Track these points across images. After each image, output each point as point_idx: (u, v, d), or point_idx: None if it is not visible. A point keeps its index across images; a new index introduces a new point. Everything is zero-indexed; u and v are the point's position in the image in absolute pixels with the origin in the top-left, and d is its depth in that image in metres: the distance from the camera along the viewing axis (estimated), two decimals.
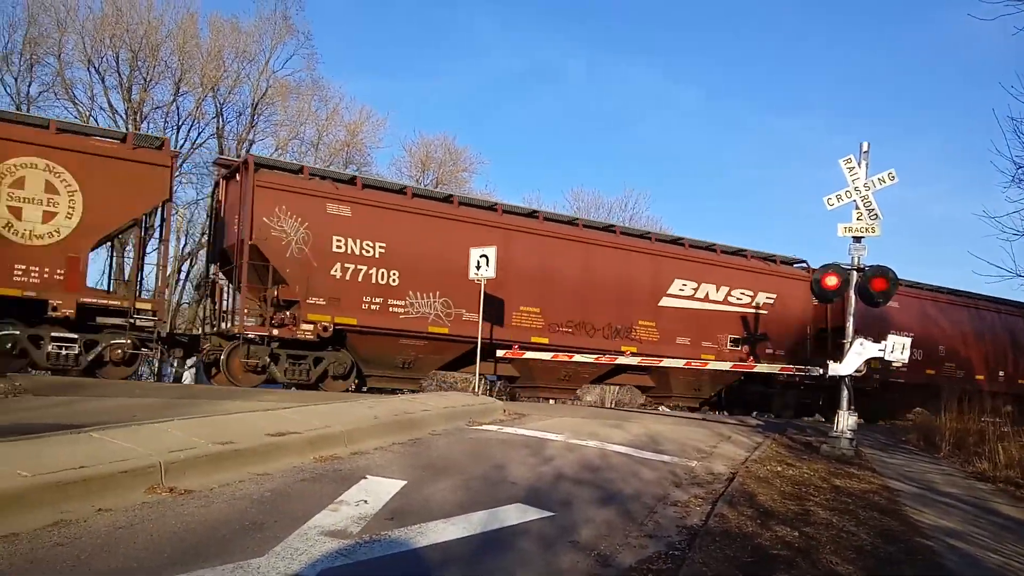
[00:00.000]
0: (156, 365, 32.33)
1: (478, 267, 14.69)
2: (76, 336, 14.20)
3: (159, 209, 15.84)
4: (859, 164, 12.25)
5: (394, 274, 16.46)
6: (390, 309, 16.47)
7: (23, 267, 13.64)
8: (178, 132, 31.78)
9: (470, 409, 11.73)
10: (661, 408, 20.68)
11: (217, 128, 33.07)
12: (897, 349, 11.68)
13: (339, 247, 15.99)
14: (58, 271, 13.87)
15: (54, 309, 13.71)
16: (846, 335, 12.38)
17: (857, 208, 12.16)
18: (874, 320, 18.48)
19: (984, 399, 15.91)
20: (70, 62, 29.86)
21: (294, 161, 21.15)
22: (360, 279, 16.15)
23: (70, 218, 14.03)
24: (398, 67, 71.30)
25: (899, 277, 12.27)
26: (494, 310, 16.73)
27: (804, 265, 22.85)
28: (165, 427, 7.27)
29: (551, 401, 19.47)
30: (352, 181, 17.19)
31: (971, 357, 25.29)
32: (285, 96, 34.35)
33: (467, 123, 73.92)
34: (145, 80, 30.83)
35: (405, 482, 6.81)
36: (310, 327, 15.64)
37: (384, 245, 16.37)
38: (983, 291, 25.95)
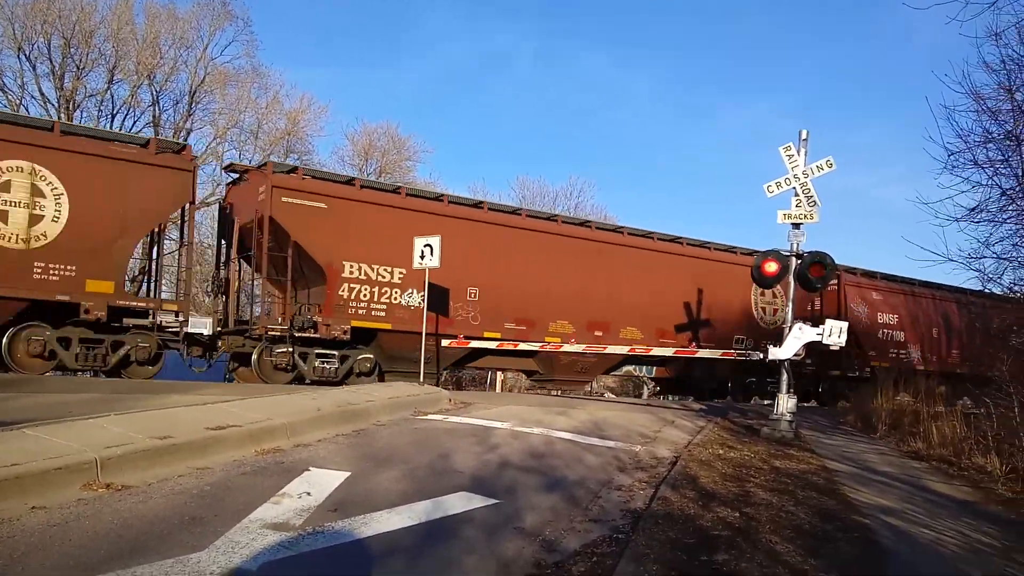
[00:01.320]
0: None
1: (422, 256, 14.63)
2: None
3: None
4: (798, 152, 12.45)
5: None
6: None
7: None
8: (112, 121, 30.98)
9: (416, 399, 11.69)
10: (607, 395, 20.84)
11: (153, 116, 32.34)
12: (835, 333, 11.93)
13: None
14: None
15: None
16: (786, 319, 12.61)
17: (796, 195, 12.36)
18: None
19: (919, 380, 16.35)
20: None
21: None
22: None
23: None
24: (344, 57, 70.80)
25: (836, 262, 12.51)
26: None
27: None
28: (101, 422, 7.11)
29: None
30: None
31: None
32: (224, 84, 33.70)
33: (414, 112, 73.70)
34: (78, 68, 29.97)
35: (349, 473, 6.77)
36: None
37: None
38: (917, 275, 26.70)
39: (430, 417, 10.76)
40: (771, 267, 12.49)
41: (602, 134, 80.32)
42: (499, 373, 25.95)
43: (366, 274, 16.51)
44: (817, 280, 12.32)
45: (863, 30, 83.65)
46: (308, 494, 5.98)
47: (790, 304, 12.67)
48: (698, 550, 5.26)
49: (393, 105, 76.18)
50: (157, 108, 32.46)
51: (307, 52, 69.74)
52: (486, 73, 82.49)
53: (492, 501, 6.34)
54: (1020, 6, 10.27)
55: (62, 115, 28.98)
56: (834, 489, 8.11)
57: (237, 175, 17.83)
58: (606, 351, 18.12)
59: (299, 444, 7.91)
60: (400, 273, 16.72)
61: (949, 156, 11.30)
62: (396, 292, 16.82)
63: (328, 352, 16.36)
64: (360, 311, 16.43)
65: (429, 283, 15.25)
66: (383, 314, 16.69)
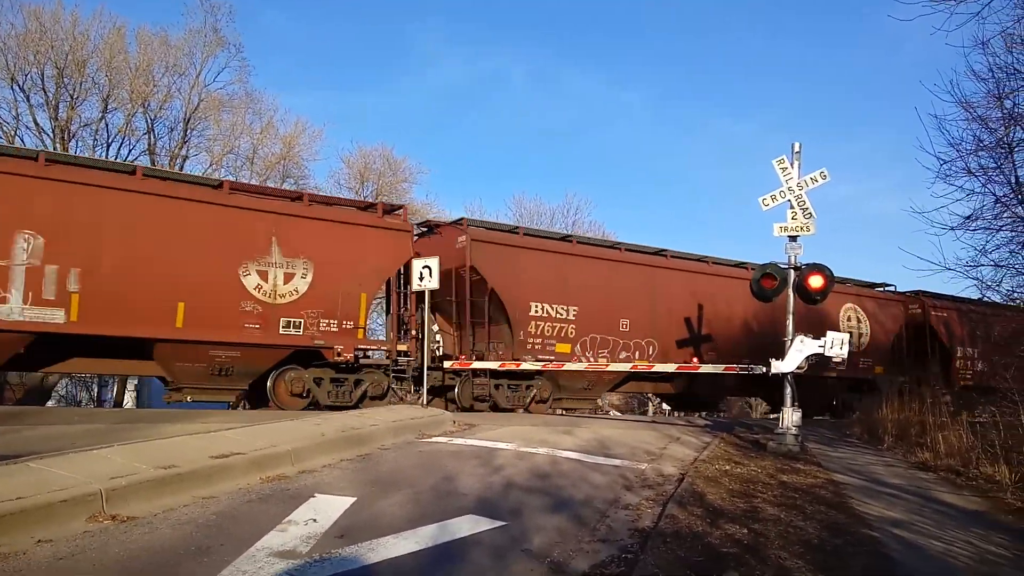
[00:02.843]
0: (95, 390, 31.57)
1: (421, 278, 14.70)
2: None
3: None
4: (792, 164, 12.48)
5: None
6: None
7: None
8: (107, 150, 30.91)
9: (419, 422, 11.65)
10: (612, 412, 20.82)
11: (149, 144, 32.28)
12: (836, 345, 11.92)
13: None
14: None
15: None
16: (786, 333, 12.59)
17: (792, 207, 12.38)
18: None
19: (924, 391, 16.29)
20: None
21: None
22: None
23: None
24: (337, 81, 71.13)
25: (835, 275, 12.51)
26: None
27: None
28: (105, 453, 7.09)
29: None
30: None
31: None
32: (218, 110, 33.68)
33: (408, 134, 74.07)
34: (72, 97, 29.93)
35: (355, 499, 6.74)
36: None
37: None
38: (914, 285, 26.76)
39: (434, 440, 10.73)
40: (769, 281, 12.50)
41: (595, 151, 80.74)
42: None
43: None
44: (816, 293, 12.32)
45: (852, 40, 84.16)
46: (314, 520, 5.95)
47: (789, 317, 12.65)
48: (707, 568, 5.23)
49: (388, 127, 76.75)
50: (152, 136, 32.45)
51: (300, 77, 70.25)
52: (479, 94, 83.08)
53: (499, 523, 6.30)
54: (1004, 16, 10.32)
55: (57, 145, 29.02)
56: (842, 503, 8.08)
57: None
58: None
59: (304, 470, 7.88)
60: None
61: (941, 165, 11.33)
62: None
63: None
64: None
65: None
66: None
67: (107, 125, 31.21)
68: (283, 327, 15.09)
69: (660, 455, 10.70)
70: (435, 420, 12.22)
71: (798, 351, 12.10)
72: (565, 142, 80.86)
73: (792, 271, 12.46)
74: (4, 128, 29.22)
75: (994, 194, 11.31)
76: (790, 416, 12.13)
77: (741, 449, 11.99)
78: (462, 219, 18.62)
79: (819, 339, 12.06)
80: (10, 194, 12.68)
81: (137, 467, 6.54)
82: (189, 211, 14.17)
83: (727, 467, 9.80)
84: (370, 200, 18.81)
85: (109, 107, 30.94)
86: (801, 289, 12.40)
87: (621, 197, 79.22)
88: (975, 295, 13.21)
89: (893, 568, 5.74)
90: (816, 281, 12.21)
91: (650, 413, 21.39)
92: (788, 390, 12.35)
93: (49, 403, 13.97)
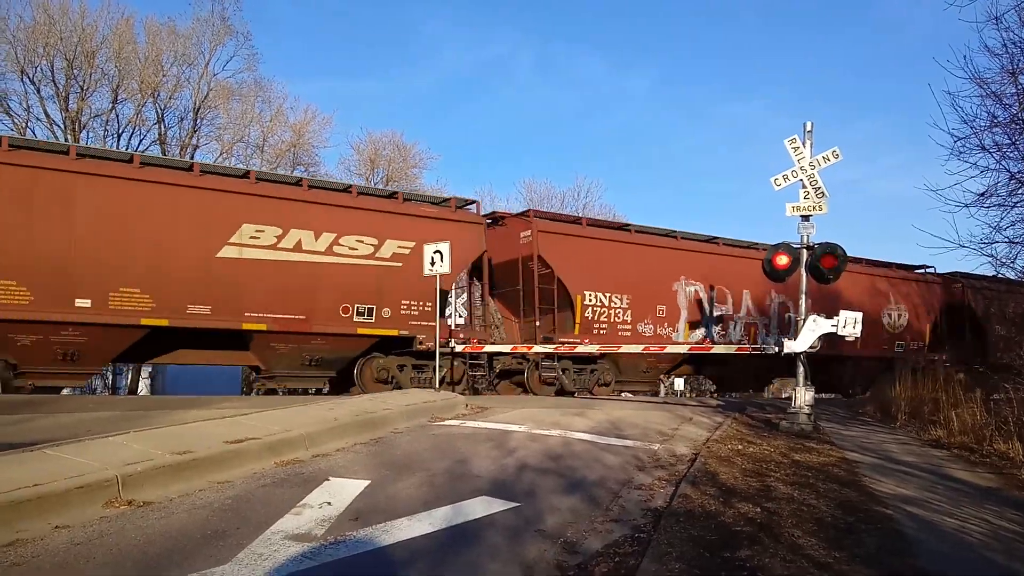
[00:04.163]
0: (110, 378, 31.76)
1: (432, 263, 14.69)
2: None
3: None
4: (804, 144, 12.41)
5: None
6: None
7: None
8: (119, 140, 31.10)
9: (432, 405, 11.68)
10: (623, 394, 20.84)
11: (159, 134, 32.43)
12: (849, 324, 11.89)
13: None
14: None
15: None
16: (800, 312, 12.56)
17: (804, 187, 12.32)
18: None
19: (937, 369, 16.23)
20: (2, 73, 29.03)
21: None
22: None
23: None
24: (345, 68, 70.98)
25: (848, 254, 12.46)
26: None
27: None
28: (121, 440, 7.14)
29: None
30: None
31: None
32: (227, 98, 33.75)
33: (418, 120, 73.90)
34: (82, 89, 30.09)
35: (368, 482, 6.78)
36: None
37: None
38: (929, 263, 26.77)
39: (447, 423, 10.76)
40: (782, 260, 12.45)
41: (603, 134, 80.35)
42: None
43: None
44: (829, 271, 12.28)
45: (861, 17, 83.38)
46: (328, 504, 5.99)
47: (803, 297, 12.61)
48: (720, 547, 5.24)
49: (397, 113, 76.46)
50: (162, 126, 32.61)
51: (309, 64, 70.13)
52: (487, 78, 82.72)
53: (512, 504, 6.33)
54: None
55: (68, 136, 29.13)
56: (855, 481, 8.07)
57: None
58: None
59: (318, 454, 7.92)
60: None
61: (955, 142, 11.28)
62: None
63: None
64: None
65: None
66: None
67: (117, 116, 31.44)
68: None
69: (672, 436, 10.71)
70: (448, 403, 12.25)
71: (811, 330, 12.08)
72: (573, 126, 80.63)
73: (805, 250, 12.41)
74: (15, 120, 29.39)
75: (1008, 171, 11.26)
76: (803, 395, 12.11)
77: (753, 429, 11.98)
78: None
79: (832, 318, 12.03)
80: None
81: (152, 453, 6.59)
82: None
83: (739, 447, 9.80)
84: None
85: (119, 98, 31.14)
86: (814, 269, 12.36)
87: (630, 180, 78.89)
88: (989, 272, 13.12)
89: (907, 546, 5.73)
90: (829, 260, 12.16)
91: (661, 395, 21.34)
92: (800, 369, 12.33)
93: (64, 391, 14.05)
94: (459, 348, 17.13)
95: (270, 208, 15.62)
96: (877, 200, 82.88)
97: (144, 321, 14.20)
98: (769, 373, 23.65)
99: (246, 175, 16.23)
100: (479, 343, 17.64)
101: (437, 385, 15.04)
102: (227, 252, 15.06)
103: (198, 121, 33.34)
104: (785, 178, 12.48)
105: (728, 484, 7.33)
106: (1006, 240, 11.63)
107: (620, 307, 19.59)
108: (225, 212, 15.18)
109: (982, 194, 11.33)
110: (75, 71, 29.68)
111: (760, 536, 5.54)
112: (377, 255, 16.63)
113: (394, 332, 16.65)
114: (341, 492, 6.36)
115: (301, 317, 15.65)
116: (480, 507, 6.20)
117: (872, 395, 19.37)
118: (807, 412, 12.01)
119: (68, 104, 29.88)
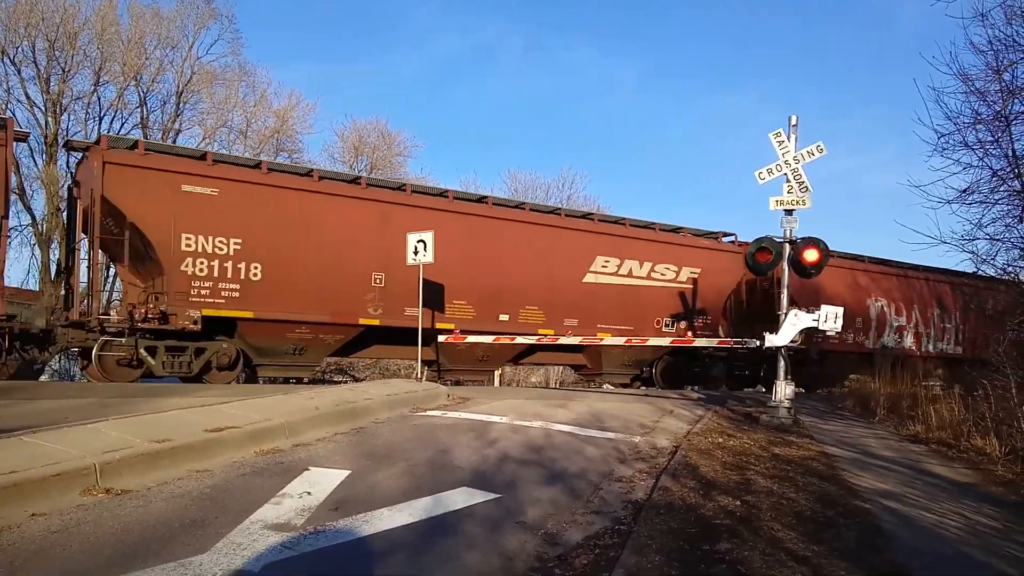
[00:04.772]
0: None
1: (415, 252, 14.56)
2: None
3: None
4: (788, 138, 12.42)
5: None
6: None
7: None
8: (100, 123, 30.75)
9: (413, 396, 11.66)
10: (605, 386, 20.86)
11: (141, 118, 32.10)
12: (830, 319, 11.93)
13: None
14: None
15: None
16: (780, 307, 12.61)
17: (788, 181, 12.34)
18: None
19: (916, 365, 16.37)
20: None
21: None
22: None
23: None
24: (331, 53, 70.54)
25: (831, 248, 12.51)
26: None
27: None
28: (99, 427, 7.09)
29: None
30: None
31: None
32: (211, 83, 33.48)
33: (403, 107, 73.55)
34: (64, 70, 29.69)
35: (349, 472, 6.76)
36: None
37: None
38: (909, 259, 26.82)
39: (429, 413, 10.74)
40: (764, 254, 12.48)
41: (591, 124, 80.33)
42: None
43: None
44: (811, 266, 12.32)
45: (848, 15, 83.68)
46: (308, 494, 5.97)
47: (784, 291, 12.66)
48: (700, 539, 5.26)
49: (382, 100, 76.13)
50: (145, 109, 32.27)
51: (294, 49, 69.62)
52: (474, 66, 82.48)
53: (493, 496, 6.33)
54: None
55: (49, 119, 28.83)
56: (834, 475, 8.12)
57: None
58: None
59: (298, 444, 7.89)
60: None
61: (939, 138, 11.32)
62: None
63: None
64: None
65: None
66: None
67: (99, 98, 31.09)
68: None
69: (654, 428, 10.74)
70: (430, 394, 12.23)
71: (792, 324, 12.12)
72: (560, 115, 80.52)
73: (787, 245, 12.44)
74: None
75: (991, 167, 11.32)
76: (783, 389, 12.17)
77: (734, 422, 12.04)
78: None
79: (813, 312, 12.07)
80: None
81: (131, 441, 6.54)
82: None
83: (720, 440, 9.84)
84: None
85: (101, 80, 30.79)
86: (796, 263, 12.40)
87: (615, 170, 78.92)
88: (970, 269, 13.19)
89: (885, 540, 5.78)
90: (811, 255, 12.19)
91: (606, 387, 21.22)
92: (781, 363, 12.38)
93: (42, 378, 13.87)
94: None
95: (611, 244, 19.90)
96: (860, 194, 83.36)
97: (541, 331, 18.25)
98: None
99: (589, 216, 20.97)
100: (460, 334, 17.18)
101: (419, 375, 14.93)
102: (588, 278, 19.60)
103: (181, 105, 33.09)
104: (769, 172, 12.48)
105: (708, 477, 7.36)
106: (987, 237, 11.71)
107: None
108: (584, 247, 19.51)
109: (964, 191, 11.40)
110: (57, 52, 29.29)
111: (740, 529, 5.57)
112: (677, 279, 20.88)
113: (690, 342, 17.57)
114: (321, 482, 6.34)
115: (631, 328, 19.70)
116: (461, 498, 6.20)
117: (851, 389, 19.52)
118: (787, 406, 12.06)
119: (49, 86, 29.52)
